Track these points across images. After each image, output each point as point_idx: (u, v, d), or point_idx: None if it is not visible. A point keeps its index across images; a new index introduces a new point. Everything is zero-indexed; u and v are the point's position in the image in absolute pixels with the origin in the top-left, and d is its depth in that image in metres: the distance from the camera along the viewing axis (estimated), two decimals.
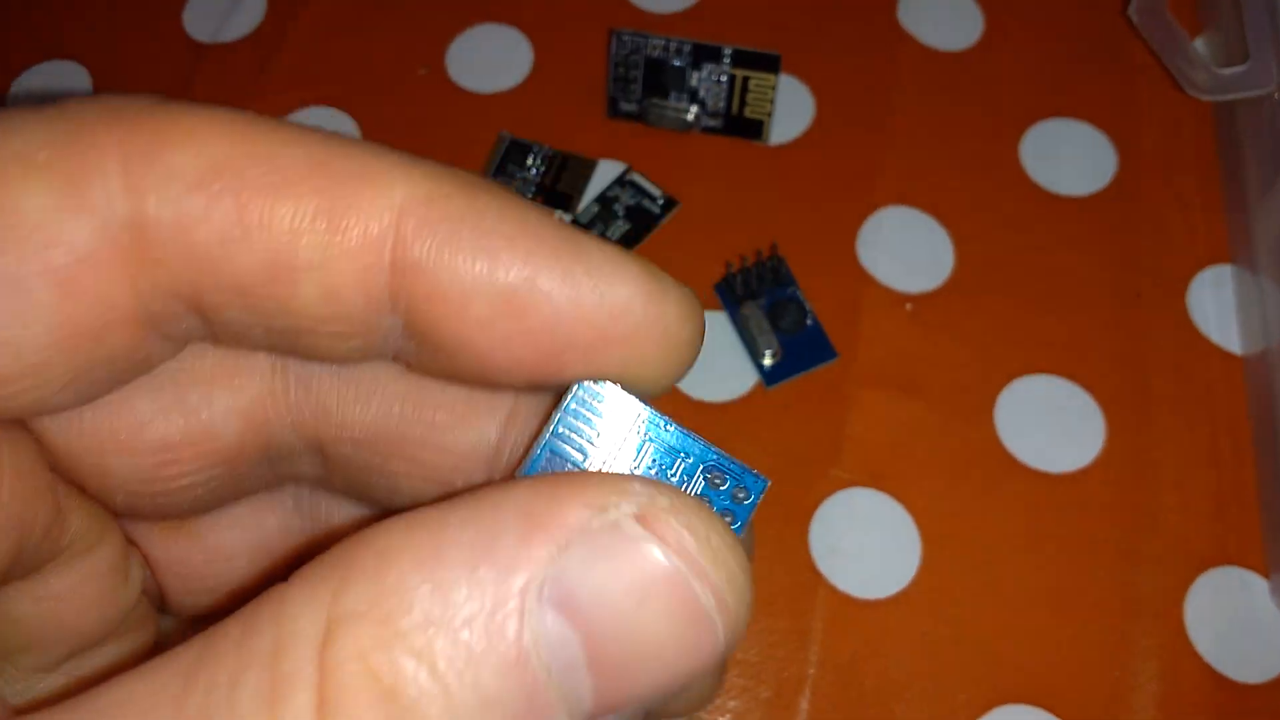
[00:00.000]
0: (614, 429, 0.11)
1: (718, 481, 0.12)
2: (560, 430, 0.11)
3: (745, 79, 0.34)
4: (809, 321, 0.32)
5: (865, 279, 0.32)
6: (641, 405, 0.11)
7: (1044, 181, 0.34)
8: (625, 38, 0.34)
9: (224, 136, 0.11)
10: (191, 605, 0.15)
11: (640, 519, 0.09)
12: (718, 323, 0.32)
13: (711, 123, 0.34)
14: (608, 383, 0.11)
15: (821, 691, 0.27)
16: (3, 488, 0.11)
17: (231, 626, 0.09)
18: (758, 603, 0.28)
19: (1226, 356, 0.32)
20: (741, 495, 0.12)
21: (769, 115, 0.34)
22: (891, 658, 0.28)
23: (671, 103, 0.34)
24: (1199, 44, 0.36)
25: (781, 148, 0.35)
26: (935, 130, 0.35)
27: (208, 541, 0.14)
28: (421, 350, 0.11)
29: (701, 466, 0.12)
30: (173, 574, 0.14)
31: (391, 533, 0.09)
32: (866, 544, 0.29)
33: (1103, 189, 0.34)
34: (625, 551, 0.09)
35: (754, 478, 0.12)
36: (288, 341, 0.11)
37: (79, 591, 0.13)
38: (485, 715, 0.09)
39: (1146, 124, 0.35)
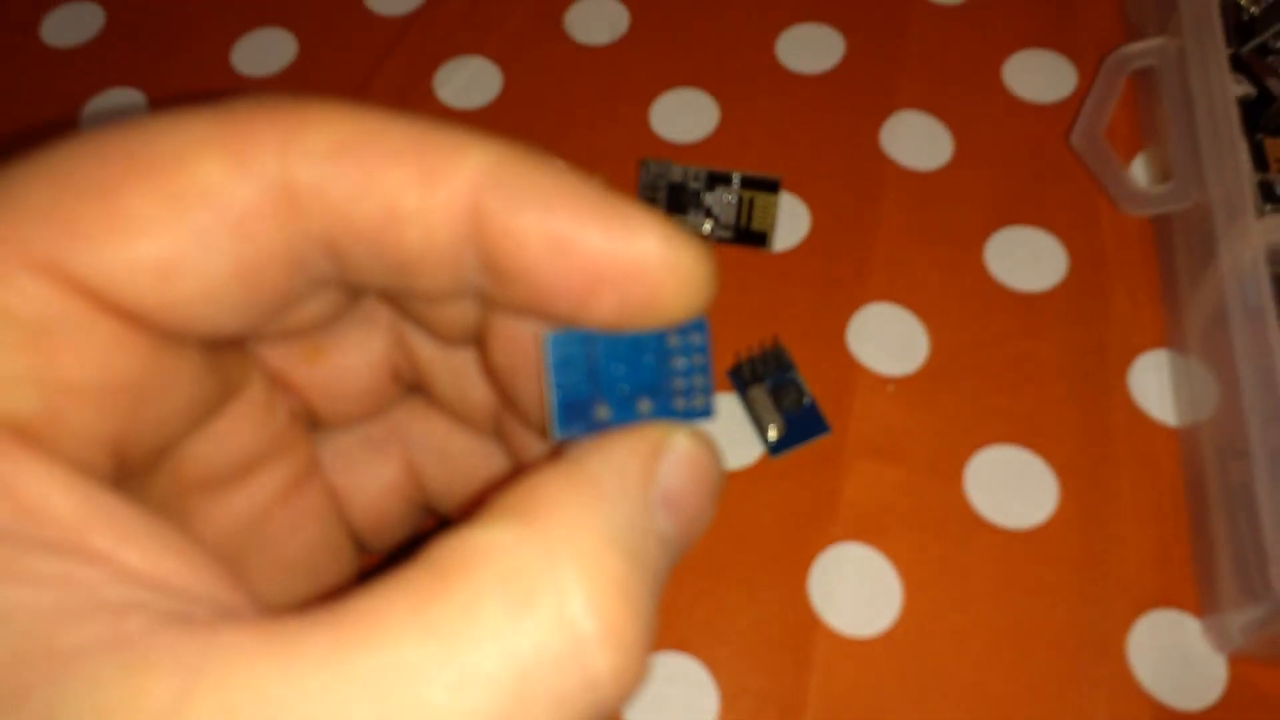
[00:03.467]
0: (584, 360, 0.14)
1: (675, 341, 0.14)
2: (558, 379, 0.14)
3: (751, 199, 0.38)
4: (806, 401, 0.35)
5: (854, 364, 0.36)
6: (596, 332, 0.14)
7: (1006, 280, 0.38)
8: (652, 166, 0.38)
9: (348, 120, 0.13)
10: (337, 414, 0.18)
11: (691, 446, 0.14)
12: (729, 402, 0.35)
13: (723, 234, 0.38)
14: (563, 328, 0.14)
15: (820, 715, 0.30)
16: (192, 366, 0.14)
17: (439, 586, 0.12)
18: (764, 640, 0.32)
19: (1164, 429, 0.35)
20: (696, 339, 0.14)
21: (772, 227, 0.38)
22: (879, 687, 0.31)
23: (690, 218, 0.38)
24: (1140, 159, 0.40)
25: (783, 254, 0.38)
26: (913, 238, 0.39)
27: (335, 364, 0.17)
28: (494, 283, 0.14)
29: (659, 341, 0.14)
30: (315, 395, 0.17)
31: (552, 494, 0.13)
32: (858, 590, 0.32)
33: (1056, 286, 0.37)
34: (689, 466, 0.14)
35: (692, 325, 0.14)
36: (400, 279, 0.14)
37: (239, 424, 0.16)
38: (654, 576, 0.13)
39: (1092, 230, 0.38)
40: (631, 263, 0.13)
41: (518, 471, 0.17)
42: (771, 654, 0.31)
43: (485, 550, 0.12)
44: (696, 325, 0.14)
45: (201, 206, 0.13)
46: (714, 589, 0.32)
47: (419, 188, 0.13)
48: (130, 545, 0.12)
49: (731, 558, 0.33)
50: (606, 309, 0.13)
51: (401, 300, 0.16)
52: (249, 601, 0.13)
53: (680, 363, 0.14)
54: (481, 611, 0.11)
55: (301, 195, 0.13)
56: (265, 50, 0.44)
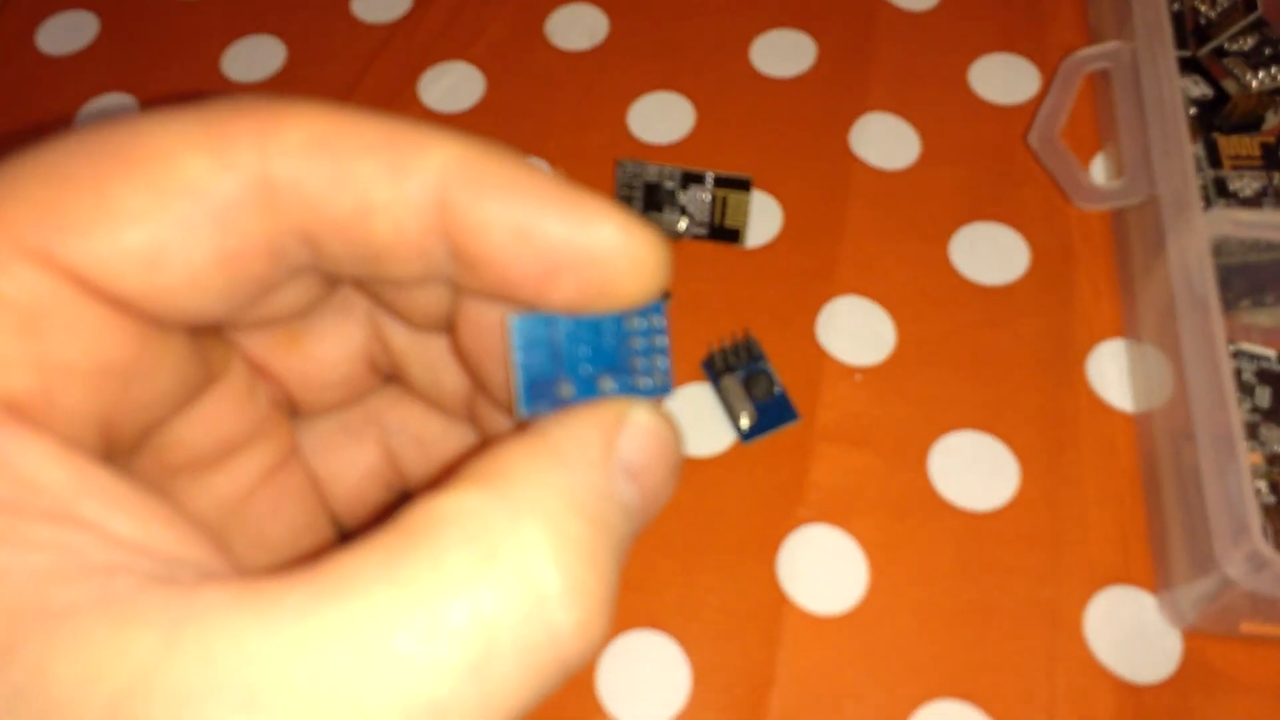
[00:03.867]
0: (548, 342, 0.15)
1: (635, 323, 0.15)
2: (523, 360, 0.15)
3: (724, 197, 0.39)
4: (776, 390, 0.36)
5: (823, 355, 0.37)
6: (558, 315, 0.15)
7: (970, 274, 0.39)
8: (628, 166, 0.39)
9: (323, 118, 0.14)
10: (316, 401, 0.18)
11: (650, 419, 0.15)
12: (703, 392, 0.36)
13: (698, 231, 0.40)
14: (528, 312, 0.15)
15: (787, 690, 0.32)
16: (177, 351, 0.15)
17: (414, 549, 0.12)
18: (735, 618, 0.33)
19: (1121, 415, 0.36)
20: (655, 321, 0.15)
21: (744, 224, 0.39)
22: (844, 662, 0.32)
23: (665, 216, 0.40)
24: (1099, 158, 0.41)
25: (755, 250, 0.40)
26: (880, 234, 0.40)
27: (313, 352, 0.18)
28: (462, 270, 0.14)
29: (619, 323, 0.15)
30: (295, 382, 0.18)
31: (516, 461, 0.13)
32: (824, 570, 0.33)
33: (1018, 279, 0.39)
34: (649, 436, 0.14)
35: (651, 308, 0.15)
36: (372, 268, 0.15)
37: (220, 409, 0.17)
38: (617, 540, 0.13)
39: (1052, 225, 0.40)
40: (588, 249, 0.14)
41: (485, 445, 0.18)
42: (742, 631, 0.32)
43: (452, 513, 0.13)
44: (655, 308, 0.15)
45: (185, 199, 0.14)
46: (687, 570, 0.33)
47: (389, 181, 0.14)
48: (118, 514, 0.13)
49: (704, 540, 0.34)
50: (567, 293, 0.14)
51: (375, 288, 0.17)
52: (230, 566, 0.14)
53: (639, 343, 0.15)
54: (447, 567, 0.12)
55: (279, 188, 0.14)
56: (255, 57, 0.45)
